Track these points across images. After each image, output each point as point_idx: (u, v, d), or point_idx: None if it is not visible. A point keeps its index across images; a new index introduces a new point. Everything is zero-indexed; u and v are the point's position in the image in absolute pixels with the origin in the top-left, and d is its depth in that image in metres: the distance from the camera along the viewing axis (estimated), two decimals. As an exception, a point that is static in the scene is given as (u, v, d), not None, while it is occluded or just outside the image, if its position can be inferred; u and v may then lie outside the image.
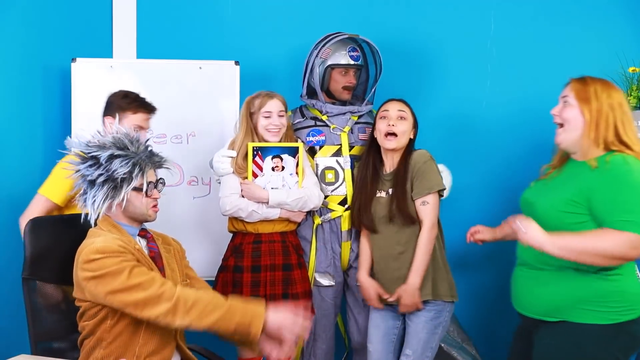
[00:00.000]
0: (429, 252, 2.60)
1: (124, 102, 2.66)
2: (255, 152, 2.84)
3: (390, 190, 2.67)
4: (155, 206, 2.18)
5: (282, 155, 2.86)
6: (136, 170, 2.09)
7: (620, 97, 2.21)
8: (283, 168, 2.86)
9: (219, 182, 2.94)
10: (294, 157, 2.87)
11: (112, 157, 2.06)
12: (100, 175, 2.05)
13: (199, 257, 3.21)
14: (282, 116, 2.88)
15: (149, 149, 2.19)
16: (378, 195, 2.69)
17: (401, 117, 2.69)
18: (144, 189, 2.12)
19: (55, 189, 2.66)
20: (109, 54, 3.54)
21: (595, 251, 2.04)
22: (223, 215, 2.87)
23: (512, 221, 2.13)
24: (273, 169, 2.85)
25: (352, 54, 3.03)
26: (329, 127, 3.00)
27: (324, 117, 3.02)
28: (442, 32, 3.36)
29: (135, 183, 2.09)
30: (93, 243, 2.01)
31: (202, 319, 1.93)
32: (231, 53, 3.40)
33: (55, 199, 2.67)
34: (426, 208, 2.60)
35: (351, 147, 2.98)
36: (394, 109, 2.70)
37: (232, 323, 1.93)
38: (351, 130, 3.00)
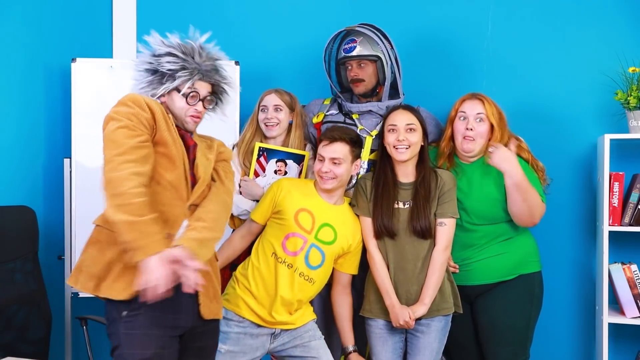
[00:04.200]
0: (443, 272, 2.63)
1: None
2: (260, 152, 2.84)
3: (410, 202, 2.64)
4: (194, 117, 2.22)
5: (287, 160, 2.85)
6: (183, 74, 2.16)
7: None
8: (286, 173, 2.85)
9: None
10: (299, 165, 2.87)
11: (167, 54, 2.16)
12: (149, 63, 2.17)
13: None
14: (280, 110, 2.88)
15: (216, 66, 2.26)
16: (396, 206, 2.66)
17: (410, 129, 2.64)
18: (185, 93, 2.17)
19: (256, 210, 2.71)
20: (109, 54, 3.54)
21: (532, 199, 2.61)
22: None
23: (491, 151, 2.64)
24: (276, 172, 2.85)
25: (345, 46, 2.93)
26: (357, 127, 2.92)
27: (355, 116, 2.94)
28: (438, 32, 3.36)
29: (176, 84, 2.16)
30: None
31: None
32: (231, 53, 3.37)
33: (257, 218, 2.70)
34: (443, 229, 2.62)
35: (374, 152, 2.88)
36: (401, 122, 2.64)
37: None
38: (378, 135, 2.88)
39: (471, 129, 2.72)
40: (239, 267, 2.65)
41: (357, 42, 2.91)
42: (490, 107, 2.74)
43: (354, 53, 2.91)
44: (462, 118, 2.76)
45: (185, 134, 2.22)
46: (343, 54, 2.94)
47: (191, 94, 2.19)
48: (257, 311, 2.55)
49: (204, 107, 2.24)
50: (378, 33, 2.89)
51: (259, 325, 2.58)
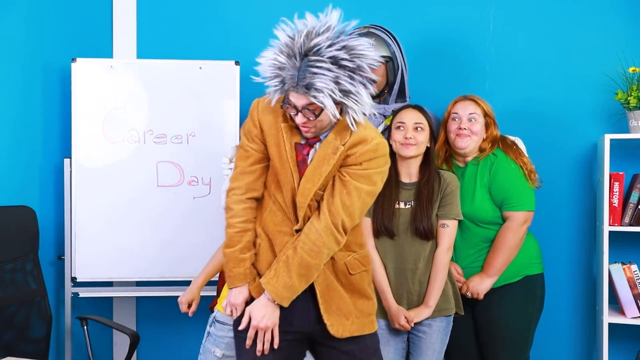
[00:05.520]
0: (446, 274, 2.63)
1: None
2: None
3: (412, 203, 2.63)
4: (303, 127, 1.94)
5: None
6: (273, 84, 1.90)
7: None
8: None
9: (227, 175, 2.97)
10: None
11: (274, 55, 1.90)
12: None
13: (198, 257, 3.21)
14: None
15: (314, 77, 1.81)
16: (397, 206, 2.66)
17: (418, 128, 2.62)
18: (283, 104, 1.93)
19: None
20: (109, 54, 3.54)
21: (512, 248, 2.69)
22: (223, 208, 2.89)
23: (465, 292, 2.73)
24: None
25: None
26: None
27: None
28: (440, 33, 3.36)
29: (278, 94, 1.93)
30: None
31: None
32: (231, 53, 3.39)
33: None
34: (445, 230, 2.61)
35: None
36: (410, 121, 2.62)
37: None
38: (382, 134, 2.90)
39: (465, 128, 2.73)
40: None
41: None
42: (484, 106, 2.77)
43: None
44: (455, 119, 2.77)
45: (302, 146, 2.00)
46: None
47: (285, 106, 1.93)
48: None
49: (307, 118, 1.91)
50: (389, 34, 2.90)
51: None
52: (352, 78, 1.84)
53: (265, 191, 2.06)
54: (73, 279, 3.25)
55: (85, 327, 3.00)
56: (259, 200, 2.07)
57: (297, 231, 2.01)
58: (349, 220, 1.99)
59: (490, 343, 2.77)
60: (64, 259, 3.27)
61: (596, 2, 3.21)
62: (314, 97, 1.83)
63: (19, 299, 2.93)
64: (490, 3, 3.31)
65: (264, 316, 1.98)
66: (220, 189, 2.92)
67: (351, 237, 2.07)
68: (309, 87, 1.82)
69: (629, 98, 2.92)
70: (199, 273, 2.52)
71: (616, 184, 2.92)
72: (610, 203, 2.93)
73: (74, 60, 3.24)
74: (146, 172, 3.28)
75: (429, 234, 2.59)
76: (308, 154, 2.01)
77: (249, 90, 3.18)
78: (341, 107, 1.91)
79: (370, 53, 1.87)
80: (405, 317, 2.56)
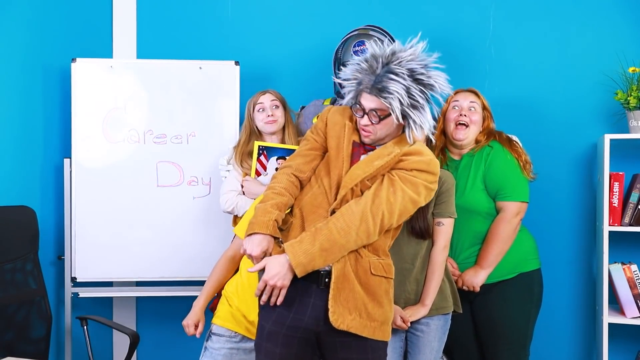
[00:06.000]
0: (443, 272, 2.62)
1: None
2: (260, 151, 2.86)
3: None
4: (362, 130, 2.10)
5: (287, 157, 2.86)
6: (348, 85, 2.10)
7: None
8: None
9: (225, 177, 2.97)
10: None
11: (354, 64, 2.10)
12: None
13: (198, 257, 3.22)
14: (277, 107, 2.93)
15: (387, 77, 2.00)
16: None
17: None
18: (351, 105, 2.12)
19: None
20: (109, 54, 3.54)
21: (505, 240, 2.69)
22: (222, 211, 2.89)
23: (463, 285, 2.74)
24: (277, 170, 2.85)
25: (355, 48, 2.93)
26: None
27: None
28: (440, 33, 3.36)
29: (352, 95, 2.10)
30: None
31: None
32: (231, 53, 3.40)
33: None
34: (441, 229, 2.61)
35: None
36: None
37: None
38: None
39: (465, 115, 2.75)
40: (226, 286, 2.57)
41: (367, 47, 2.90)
42: (482, 99, 2.81)
43: None
44: (455, 107, 2.79)
45: (358, 145, 2.14)
46: (355, 57, 2.93)
47: (354, 107, 2.09)
48: (248, 326, 2.48)
49: (370, 122, 2.05)
50: (387, 36, 2.91)
51: (252, 340, 2.53)
52: (422, 92, 2.03)
53: (313, 177, 2.18)
54: (73, 279, 3.25)
55: (85, 327, 3.00)
56: (302, 184, 2.19)
57: (332, 212, 2.07)
58: (388, 216, 2.05)
59: (489, 340, 2.77)
60: (64, 259, 3.27)
61: (596, 2, 3.21)
62: (384, 98, 1.99)
63: (19, 299, 2.93)
64: (490, 3, 3.31)
65: (276, 274, 2.00)
66: (220, 190, 2.95)
67: (379, 242, 2.12)
68: (381, 90, 1.99)
69: (628, 98, 2.92)
70: (199, 295, 2.52)
71: (616, 184, 2.93)
72: (610, 203, 2.93)
73: (74, 60, 3.24)
74: (146, 172, 3.28)
75: (425, 233, 2.59)
76: (361, 154, 2.13)
77: (249, 90, 3.18)
78: (404, 121, 2.05)
79: (445, 81, 2.08)
80: (401, 317, 2.56)
